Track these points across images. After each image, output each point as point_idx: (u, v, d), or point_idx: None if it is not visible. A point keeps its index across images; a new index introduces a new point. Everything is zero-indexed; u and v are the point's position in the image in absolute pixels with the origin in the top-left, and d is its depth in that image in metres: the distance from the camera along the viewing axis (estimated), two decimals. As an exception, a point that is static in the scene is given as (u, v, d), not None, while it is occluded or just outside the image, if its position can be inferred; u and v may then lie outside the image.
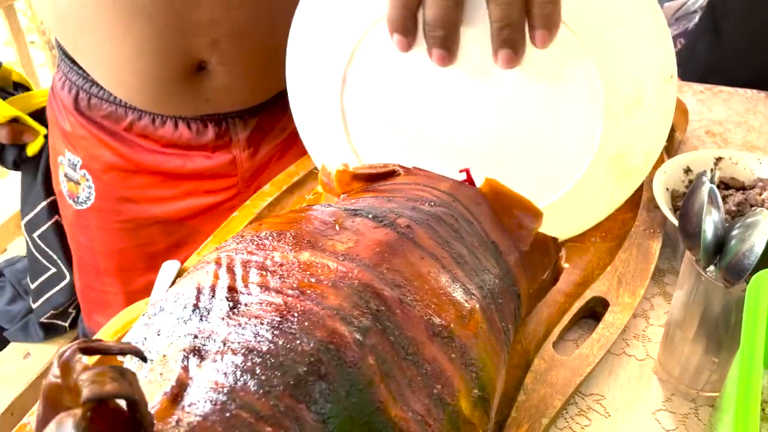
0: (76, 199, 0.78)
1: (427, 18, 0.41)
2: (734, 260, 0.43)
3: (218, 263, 0.36)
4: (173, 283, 0.56)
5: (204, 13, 0.62)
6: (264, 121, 0.75)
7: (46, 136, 0.95)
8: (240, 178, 0.76)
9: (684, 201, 0.46)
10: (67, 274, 1.19)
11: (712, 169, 0.47)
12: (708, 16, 1.08)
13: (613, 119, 0.44)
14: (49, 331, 1.21)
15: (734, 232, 0.44)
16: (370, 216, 0.40)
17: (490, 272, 0.41)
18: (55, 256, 1.18)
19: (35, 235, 1.15)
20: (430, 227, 0.40)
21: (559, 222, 0.51)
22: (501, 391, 0.39)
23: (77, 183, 0.77)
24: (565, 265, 0.51)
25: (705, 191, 0.45)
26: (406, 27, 0.42)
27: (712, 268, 0.47)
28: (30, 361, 1.11)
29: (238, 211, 0.64)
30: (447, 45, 0.42)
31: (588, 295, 0.57)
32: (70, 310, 1.27)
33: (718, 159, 0.70)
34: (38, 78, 1.36)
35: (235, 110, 0.72)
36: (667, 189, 0.66)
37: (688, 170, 0.69)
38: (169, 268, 0.57)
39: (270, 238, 0.38)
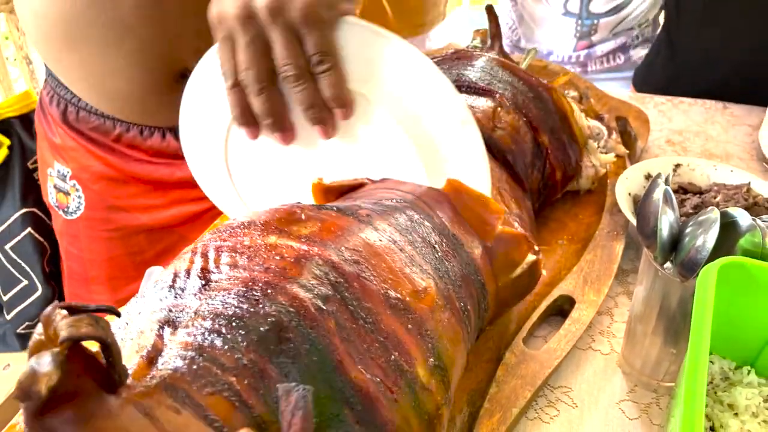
0: (66, 210, 0.80)
1: (255, 111, 0.49)
2: (688, 256, 0.46)
3: (194, 251, 0.39)
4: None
5: (189, 25, 0.65)
6: None
7: (10, 147, 0.95)
8: None
9: (641, 202, 0.50)
10: (40, 286, 1.19)
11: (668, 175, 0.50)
12: (665, 32, 1.13)
13: (433, 165, 0.53)
14: (27, 341, 1.21)
15: (688, 230, 0.47)
16: (335, 208, 0.43)
17: (448, 260, 0.44)
18: (28, 268, 1.18)
19: (7, 246, 1.15)
20: (390, 216, 0.44)
21: None
22: (463, 366, 0.42)
23: (67, 194, 0.78)
24: (543, 272, 0.54)
25: (660, 192, 0.48)
26: (246, 121, 0.50)
27: (668, 264, 0.50)
28: (9, 372, 1.10)
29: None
30: (279, 128, 0.50)
31: (555, 293, 0.60)
32: None
33: (677, 165, 0.74)
34: (15, 93, 1.36)
35: None
36: (629, 194, 0.70)
37: (648, 176, 0.73)
38: (153, 273, 0.59)
39: (241, 226, 0.41)
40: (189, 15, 0.64)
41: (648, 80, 1.11)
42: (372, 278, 0.37)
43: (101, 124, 0.73)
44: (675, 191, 0.71)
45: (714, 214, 0.45)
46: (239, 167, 0.57)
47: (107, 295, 0.82)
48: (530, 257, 0.51)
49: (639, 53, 1.37)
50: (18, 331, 1.24)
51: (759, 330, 0.45)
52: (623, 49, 1.33)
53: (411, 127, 0.52)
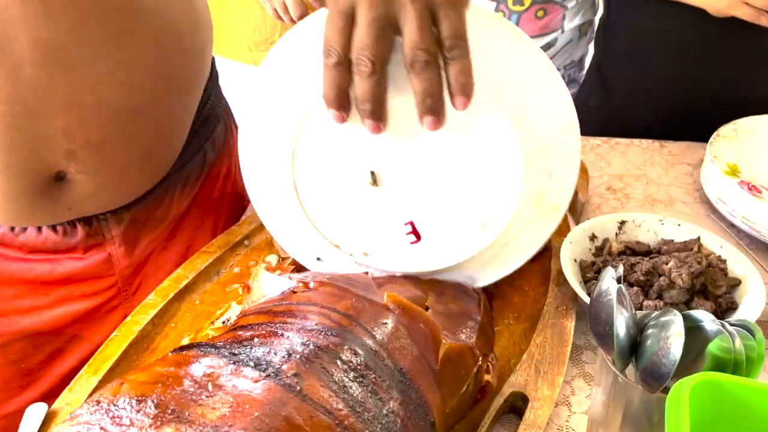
0: None
1: (357, 94, 0.46)
2: (651, 363, 0.40)
3: None
4: (40, 429, 0.49)
5: (56, 126, 0.56)
6: (139, 214, 0.69)
7: None
8: (119, 277, 0.69)
9: (592, 302, 0.44)
10: None
11: (614, 266, 0.45)
12: (596, 73, 1.10)
13: (530, 164, 0.52)
14: None
15: (648, 332, 0.42)
16: (252, 364, 0.35)
17: (396, 414, 0.37)
18: None
19: None
20: (323, 370, 0.36)
21: (499, 260, 0.58)
22: None
23: None
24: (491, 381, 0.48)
25: (614, 291, 0.42)
26: (340, 104, 0.47)
27: (629, 366, 0.44)
28: None
29: (117, 331, 0.57)
30: (376, 115, 0.47)
31: (506, 390, 0.53)
32: None
33: (622, 223, 0.69)
34: None
35: (103, 211, 0.66)
36: (575, 260, 0.64)
37: (593, 237, 0.68)
38: (34, 412, 0.49)
39: (128, 407, 0.32)
40: (54, 112, 0.56)
41: (582, 121, 1.07)
42: None
43: None
44: (622, 252, 0.66)
45: (676, 317, 0.39)
46: (306, 174, 0.54)
47: None
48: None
49: None
50: None
51: (739, 451, 0.39)
52: None
53: (519, 121, 0.51)
